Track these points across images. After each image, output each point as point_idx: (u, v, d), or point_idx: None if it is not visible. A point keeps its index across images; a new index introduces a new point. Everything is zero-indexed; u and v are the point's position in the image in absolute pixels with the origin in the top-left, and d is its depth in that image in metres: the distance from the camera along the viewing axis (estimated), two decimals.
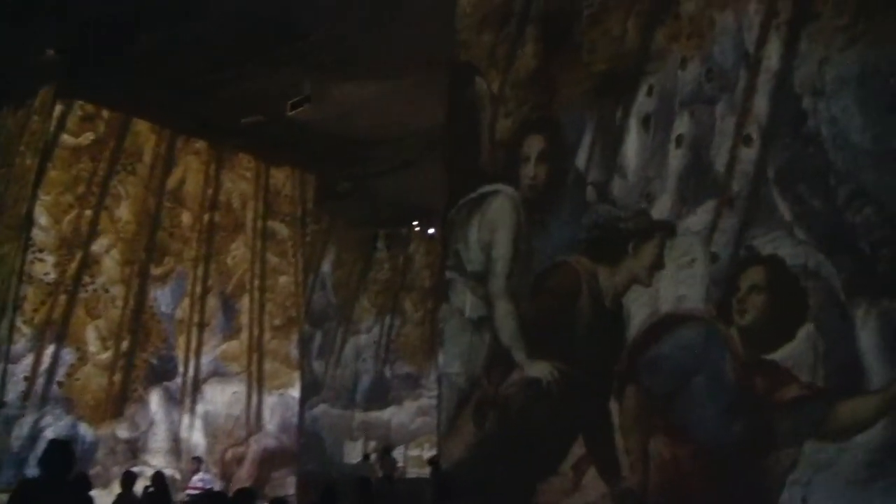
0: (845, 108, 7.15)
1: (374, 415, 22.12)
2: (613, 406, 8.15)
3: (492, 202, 9.62)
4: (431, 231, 21.39)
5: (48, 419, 14.43)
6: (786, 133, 7.49)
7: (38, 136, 14.87)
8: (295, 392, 18.39)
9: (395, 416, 22.22)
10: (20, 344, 14.32)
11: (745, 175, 7.69)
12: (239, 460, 17.08)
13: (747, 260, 7.49)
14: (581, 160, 8.98)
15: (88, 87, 14.85)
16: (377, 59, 13.52)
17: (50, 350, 14.62)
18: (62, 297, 14.84)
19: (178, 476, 15.47)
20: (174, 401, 16.34)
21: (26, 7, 12.37)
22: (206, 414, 16.78)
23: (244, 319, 17.55)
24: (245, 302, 17.60)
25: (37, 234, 14.67)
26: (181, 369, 16.52)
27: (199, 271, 16.92)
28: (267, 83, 14.28)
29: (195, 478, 14.72)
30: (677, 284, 7.91)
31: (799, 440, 6.92)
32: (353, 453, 21.48)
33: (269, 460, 17.42)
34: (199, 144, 17.00)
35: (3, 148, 15.36)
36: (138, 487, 12.34)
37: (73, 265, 15.07)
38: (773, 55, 7.58)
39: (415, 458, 21.25)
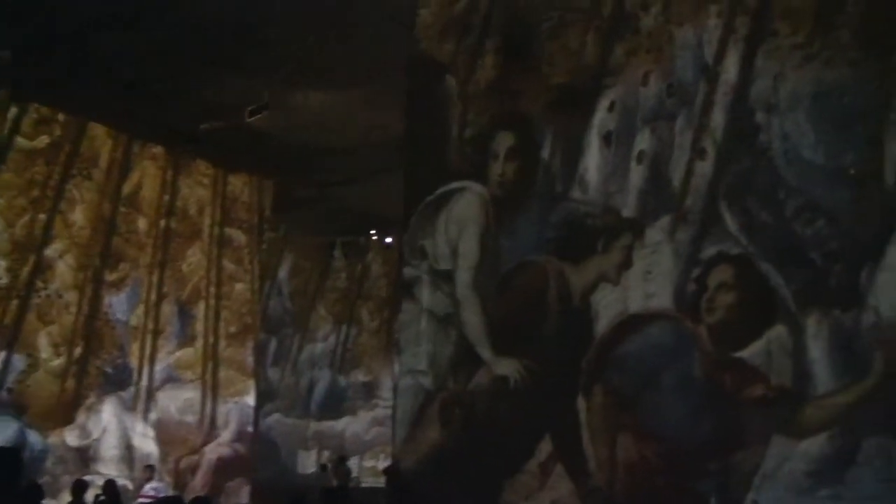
0: (798, 124, 7.30)
1: (329, 424, 22.05)
2: (581, 404, 8.19)
3: (459, 199, 9.59)
4: (389, 240, 21.40)
5: None
6: (739, 148, 7.62)
7: None
8: (250, 400, 18.29)
9: (350, 426, 22.16)
10: None
11: (698, 190, 7.80)
12: (193, 469, 16.93)
13: (716, 259, 7.57)
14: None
15: (44, 90, 14.69)
16: (337, 69, 13.51)
17: (0, 356, 14.43)
18: (14, 303, 14.63)
19: (130, 485, 15.29)
20: (127, 408, 16.18)
21: None
22: (159, 422, 16.62)
23: (199, 326, 17.42)
24: (200, 309, 17.47)
25: None
26: (135, 377, 16.37)
27: (155, 278, 16.76)
28: (226, 90, 14.21)
29: (147, 486, 14.58)
30: (646, 283, 7.96)
31: (767, 438, 7.03)
32: (307, 463, 21.40)
33: (224, 469, 17.30)
34: (157, 150, 16.85)
35: None
36: (89, 496, 12.21)
37: (26, 270, 14.85)
38: (731, 69, 7.70)
39: (369, 469, 21.20)
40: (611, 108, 8.61)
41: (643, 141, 8.28)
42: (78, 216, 15.67)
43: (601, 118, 8.66)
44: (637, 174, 8.29)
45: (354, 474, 20.09)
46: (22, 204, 14.90)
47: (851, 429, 6.79)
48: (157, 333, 16.74)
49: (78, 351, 15.50)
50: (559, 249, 8.70)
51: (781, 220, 7.31)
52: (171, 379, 16.91)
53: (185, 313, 17.27)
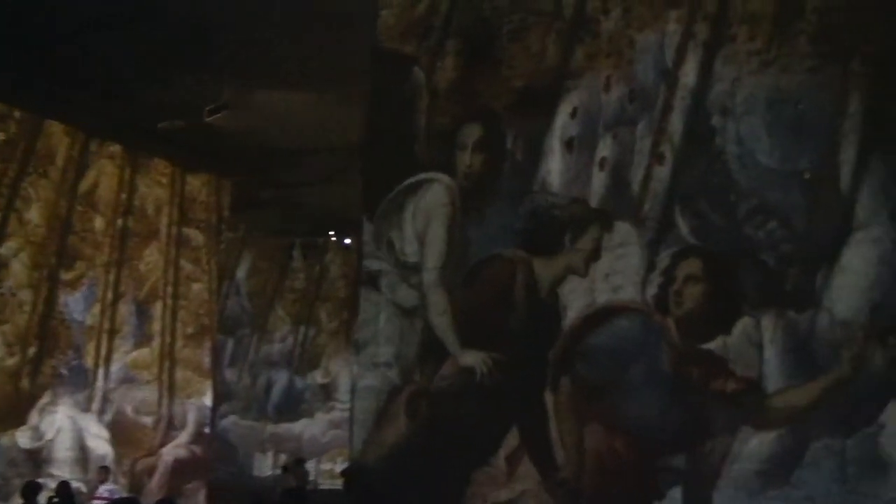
0: (753, 128, 7.40)
1: (286, 427, 21.99)
2: (548, 396, 8.19)
3: (427, 190, 9.54)
4: (348, 241, 21.39)
5: None
6: (696, 152, 7.70)
7: None
8: (208, 401, 18.18)
9: (307, 428, 22.11)
10: None
11: (656, 195, 7.87)
12: (150, 471, 16.79)
13: (685, 251, 7.64)
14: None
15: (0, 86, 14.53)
16: (298, 70, 13.48)
17: None
18: None
19: (84, 488, 15.13)
20: (82, 409, 16.02)
21: None
22: (115, 423, 16.47)
23: (156, 326, 17.30)
24: (158, 309, 17.35)
25: None
26: (90, 377, 16.22)
27: (111, 277, 16.62)
28: (185, 89, 14.13)
29: (102, 488, 14.46)
30: (614, 274, 8.00)
31: (734, 429, 7.11)
32: (264, 466, 21.32)
33: (182, 471, 17.15)
34: (114, 148, 16.70)
35: None
36: (42, 499, 12.07)
37: None
38: (690, 73, 7.78)
39: (326, 472, 21.16)
40: (573, 114, 8.63)
41: (605, 148, 8.33)
42: (33, 214, 15.48)
43: (563, 123, 8.68)
44: (599, 180, 8.33)
45: (312, 477, 20.04)
46: None
47: (800, 429, 6.91)
48: (113, 333, 16.59)
49: (32, 350, 15.33)
50: (527, 241, 8.68)
51: (733, 222, 7.41)
52: (128, 379, 16.77)
53: (141, 313, 17.13)
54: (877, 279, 6.78)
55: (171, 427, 17.27)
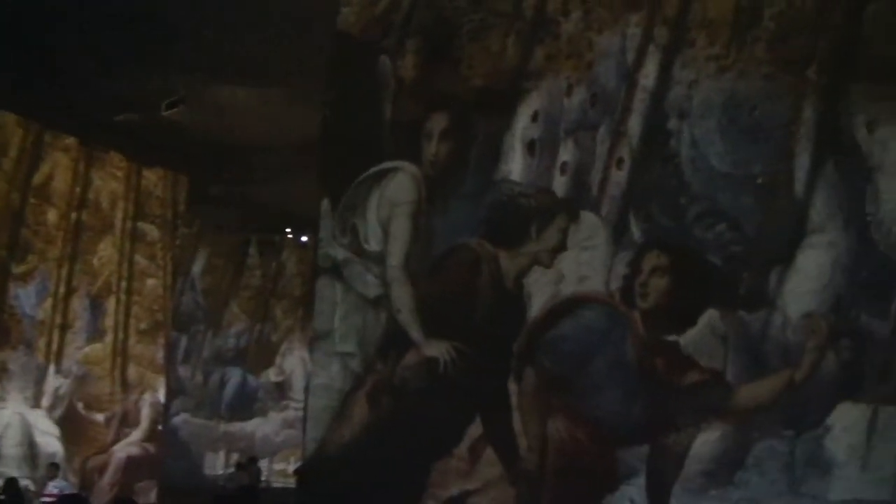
0: (707, 132, 7.49)
1: (239, 426, 21.85)
2: (512, 387, 8.20)
3: (392, 178, 9.50)
4: (304, 239, 21.33)
5: None
6: (651, 154, 7.78)
7: None
8: (161, 398, 18.04)
9: (260, 427, 21.99)
10: None
11: (613, 199, 7.94)
12: (101, 469, 16.62)
13: (651, 243, 7.69)
14: None
15: None
16: (256, 66, 13.44)
17: None
18: None
19: (32, 486, 14.94)
20: (31, 405, 15.83)
21: None
22: (65, 420, 16.29)
23: (109, 322, 17.13)
24: (111, 304, 17.18)
25: None
26: (41, 372, 16.02)
27: (64, 271, 16.44)
28: (142, 82, 14.04)
29: (51, 484, 14.32)
30: (579, 265, 8.03)
31: (699, 422, 7.18)
32: (216, 465, 21.18)
33: (134, 469, 16.99)
34: (69, 141, 16.51)
35: None
36: None
37: None
38: (649, 76, 7.85)
39: (279, 472, 21.08)
40: (534, 117, 8.66)
41: (566, 152, 8.37)
42: None
43: (524, 126, 8.71)
44: (560, 183, 8.37)
45: (265, 476, 19.96)
46: None
47: (745, 430, 7.01)
48: (65, 328, 16.41)
49: None
50: (492, 231, 8.68)
51: (682, 224, 7.50)
52: (79, 375, 16.59)
53: (94, 308, 16.96)
54: (830, 282, 6.89)
55: (124, 424, 17.09)
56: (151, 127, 15.35)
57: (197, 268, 21.33)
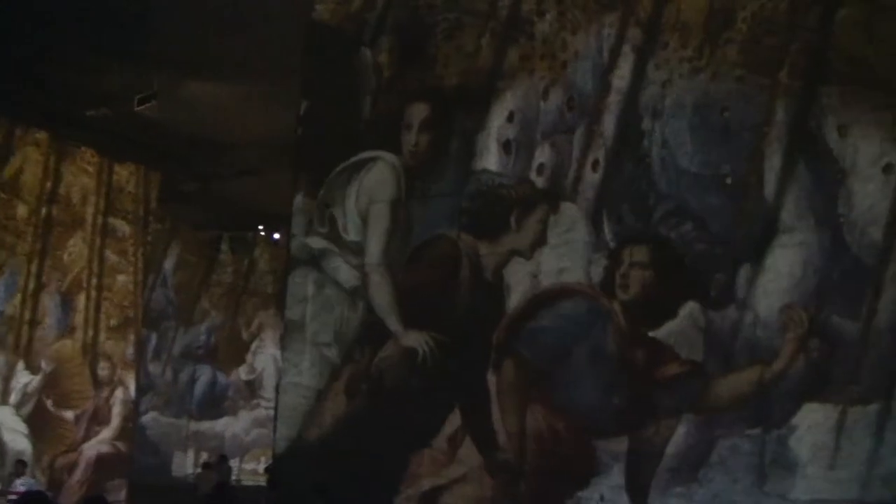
0: (678, 132, 7.56)
1: (208, 425, 21.69)
2: (491, 378, 8.23)
3: (372, 168, 9.46)
4: (276, 236, 21.24)
5: None
6: (625, 155, 7.83)
7: None
8: (132, 396, 17.90)
9: (230, 426, 21.85)
10: None
11: (587, 202, 7.98)
12: (70, 467, 16.47)
13: (631, 236, 7.72)
14: None
15: None
16: (230, 63, 13.39)
17: None
18: None
19: None
20: None
21: None
22: (34, 417, 16.14)
23: (79, 318, 16.99)
24: (81, 300, 17.03)
25: None
26: (9, 369, 15.88)
27: (34, 267, 16.30)
28: (114, 77, 13.95)
29: (17, 482, 14.15)
30: (559, 257, 8.04)
31: (678, 413, 7.22)
32: (185, 464, 21.02)
33: (104, 468, 16.83)
34: (40, 135, 16.36)
35: None
36: None
37: None
38: (624, 76, 7.89)
39: (249, 472, 20.95)
40: (510, 118, 8.68)
41: (543, 155, 8.40)
42: None
43: (499, 125, 8.72)
44: (536, 185, 8.40)
45: (234, 476, 19.84)
46: None
47: (709, 428, 7.08)
48: (34, 324, 16.26)
49: None
50: (472, 221, 8.69)
51: (648, 223, 7.56)
52: (49, 372, 16.45)
53: (65, 304, 16.82)
54: (801, 282, 6.95)
55: (94, 421, 16.95)
56: (123, 122, 15.23)
57: (169, 264, 21.18)
